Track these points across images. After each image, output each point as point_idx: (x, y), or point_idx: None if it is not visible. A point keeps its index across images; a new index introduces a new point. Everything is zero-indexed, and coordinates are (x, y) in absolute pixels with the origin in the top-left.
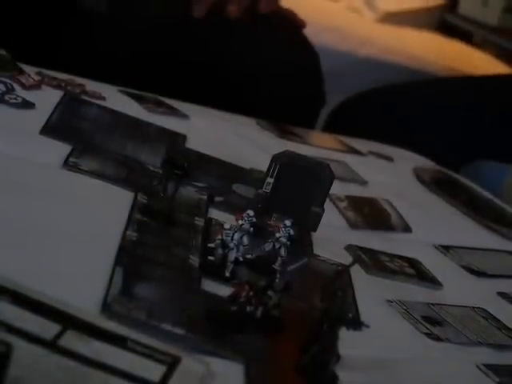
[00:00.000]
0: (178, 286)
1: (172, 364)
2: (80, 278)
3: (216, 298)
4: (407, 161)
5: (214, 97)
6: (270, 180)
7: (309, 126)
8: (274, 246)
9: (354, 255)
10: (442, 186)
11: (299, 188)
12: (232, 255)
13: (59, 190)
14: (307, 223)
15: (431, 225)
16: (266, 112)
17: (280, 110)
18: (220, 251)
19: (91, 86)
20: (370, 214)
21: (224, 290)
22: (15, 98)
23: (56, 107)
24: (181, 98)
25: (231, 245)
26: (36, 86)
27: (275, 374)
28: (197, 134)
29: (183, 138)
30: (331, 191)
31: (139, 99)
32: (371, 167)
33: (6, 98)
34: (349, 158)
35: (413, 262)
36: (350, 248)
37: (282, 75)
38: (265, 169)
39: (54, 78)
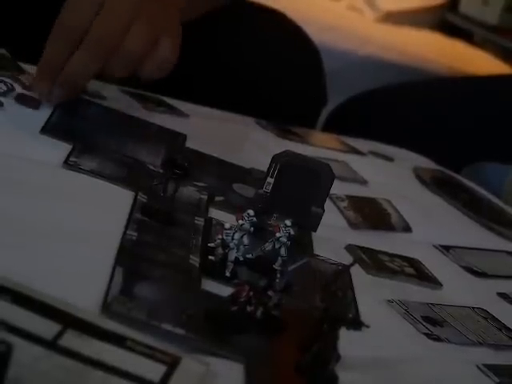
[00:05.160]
0: (178, 285)
1: (172, 364)
2: (80, 277)
3: (216, 297)
4: (407, 161)
5: (214, 97)
6: (270, 180)
7: (310, 124)
8: (274, 245)
9: (354, 255)
10: (442, 186)
11: (299, 188)
12: (232, 255)
13: (59, 190)
14: (307, 223)
15: (431, 225)
16: (267, 111)
17: (282, 108)
18: (220, 251)
19: (91, 85)
20: (371, 213)
21: (224, 290)
22: None
23: (56, 106)
24: (181, 97)
25: (231, 245)
26: None
27: (275, 374)
28: (197, 134)
29: (183, 137)
30: (331, 191)
31: (139, 98)
32: (371, 167)
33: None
34: (349, 158)
35: (413, 262)
36: (350, 248)
37: (283, 74)
38: (265, 169)
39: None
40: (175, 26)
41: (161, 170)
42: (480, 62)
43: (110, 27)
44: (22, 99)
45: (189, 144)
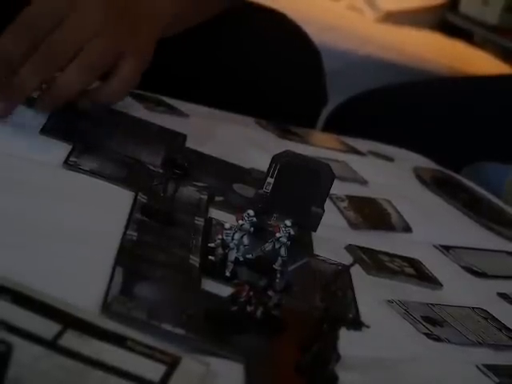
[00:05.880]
0: (178, 285)
1: (172, 364)
2: (80, 277)
3: (216, 298)
4: (407, 161)
5: (214, 97)
6: (270, 180)
7: (310, 124)
8: (274, 245)
9: (354, 255)
10: (442, 186)
11: (299, 188)
12: (232, 255)
13: (59, 190)
14: (307, 223)
15: (431, 225)
16: (267, 111)
17: (282, 108)
18: (220, 251)
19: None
20: (371, 213)
21: (224, 290)
22: None
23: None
24: (181, 97)
25: (231, 245)
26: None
27: (275, 374)
28: (197, 134)
29: (183, 137)
30: (331, 191)
31: (139, 98)
32: (371, 167)
33: None
34: (349, 158)
35: (413, 262)
36: (350, 248)
37: (283, 74)
38: (265, 169)
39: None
40: (143, 45)
41: (161, 170)
42: (480, 62)
43: (71, 37)
44: None
45: (189, 144)
